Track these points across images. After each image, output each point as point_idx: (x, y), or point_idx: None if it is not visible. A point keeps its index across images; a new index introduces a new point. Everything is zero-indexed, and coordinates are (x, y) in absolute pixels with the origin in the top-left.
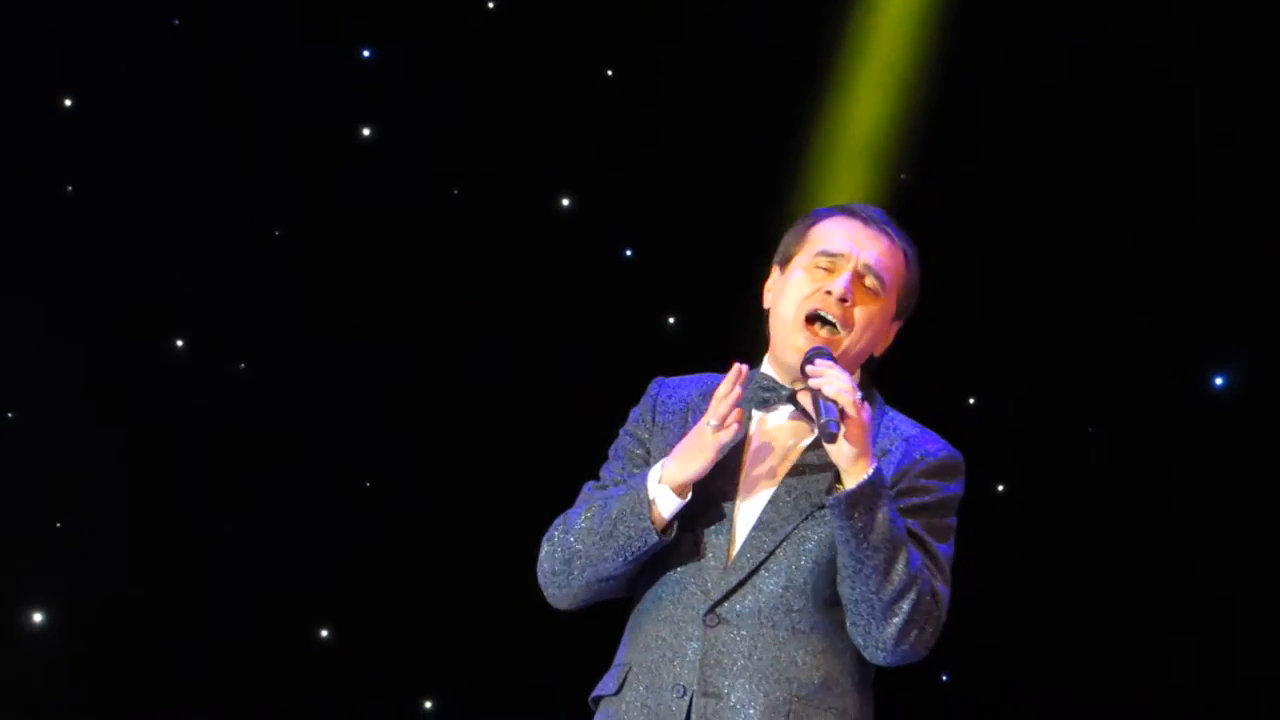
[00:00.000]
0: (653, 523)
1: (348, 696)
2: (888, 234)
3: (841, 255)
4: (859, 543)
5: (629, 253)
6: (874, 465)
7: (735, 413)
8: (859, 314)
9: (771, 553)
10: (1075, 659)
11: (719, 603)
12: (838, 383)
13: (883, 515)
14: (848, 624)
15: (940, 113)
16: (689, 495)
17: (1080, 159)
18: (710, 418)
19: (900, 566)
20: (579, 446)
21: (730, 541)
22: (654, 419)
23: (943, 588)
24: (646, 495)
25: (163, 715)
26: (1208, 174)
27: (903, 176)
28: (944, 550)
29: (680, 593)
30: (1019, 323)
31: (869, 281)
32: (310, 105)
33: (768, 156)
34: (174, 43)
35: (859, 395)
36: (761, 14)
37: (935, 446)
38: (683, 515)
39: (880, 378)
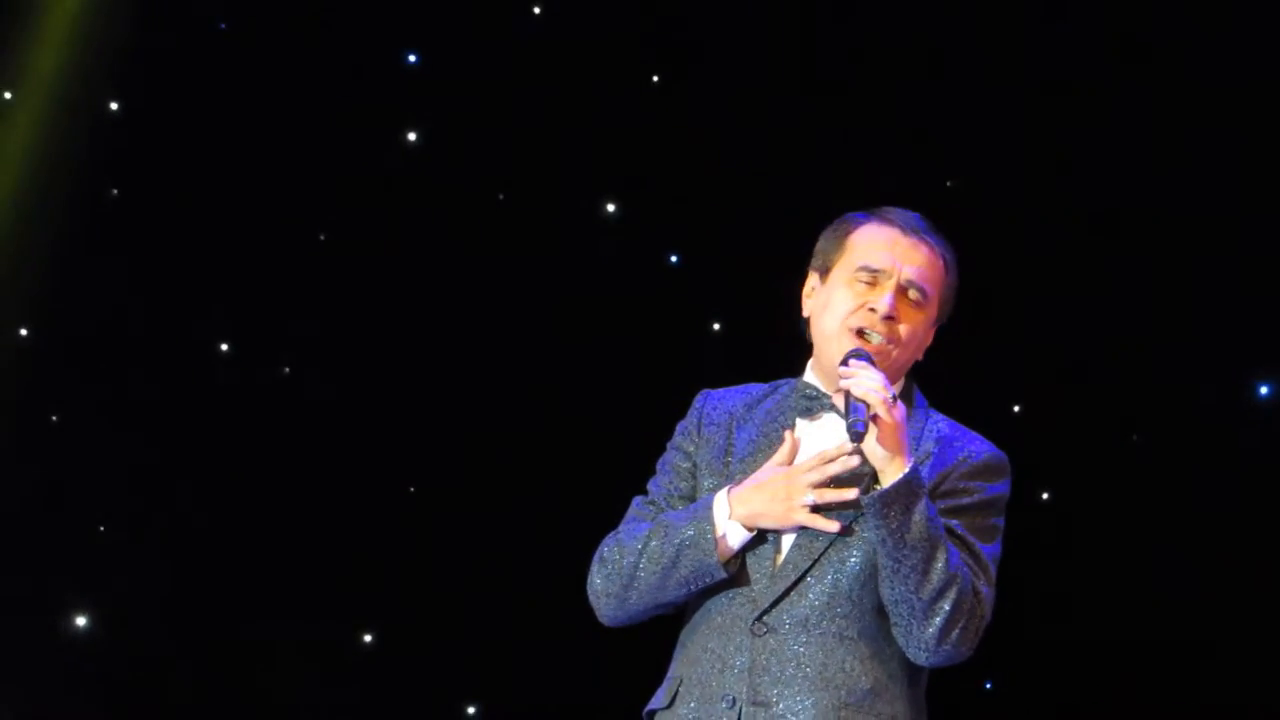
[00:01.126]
0: (719, 556)
1: (390, 701)
2: (928, 243)
3: (884, 271)
4: (896, 542)
5: (674, 259)
6: (910, 464)
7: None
8: (904, 329)
9: (817, 560)
10: (1120, 667)
11: (766, 611)
12: (868, 382)
13: (919, 514)
14: (891, 625)
15: (981, 118)
16: (756, 529)
17: (1124, 161)
18: (807, 491)
19: (939, 565)
20: (624, 452)
21: (777, 550)
22: (699, 431)
23: (985, 588)
24: (713, 530)
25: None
26: (1255, 176)
27: (949, 183)
28: (988, 550)
29: (728, 603)
30: (1064, 329)
31: (912, 295)
32: (356, 110)
33: (815, 163)
34: (220, 46)
35: (891, 395)
36: (807, 18)
37: (979, 447)
38: None
39: (924, 384)
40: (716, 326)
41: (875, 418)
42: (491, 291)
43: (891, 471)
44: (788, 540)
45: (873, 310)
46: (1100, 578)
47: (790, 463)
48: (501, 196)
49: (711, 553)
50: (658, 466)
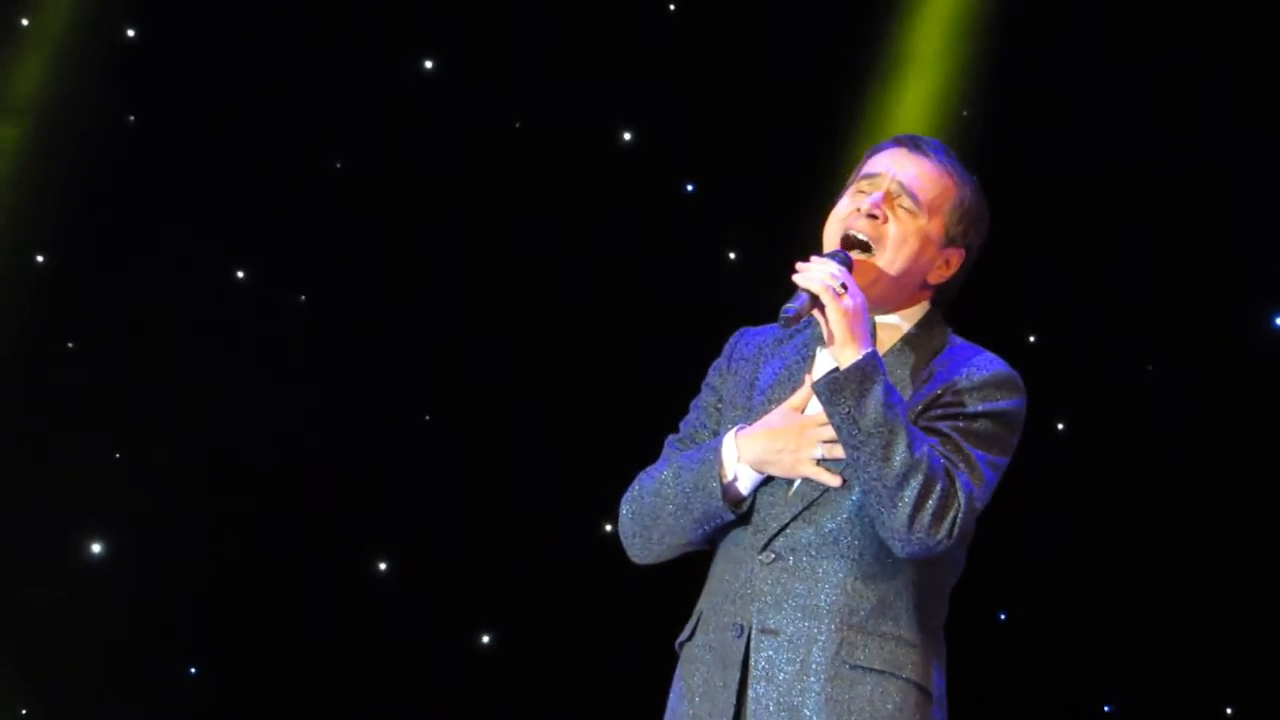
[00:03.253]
0: (728, 500)
1: (405, 628)
2: (932, 158)
3: (878, 176)
4: (850, 428)
5: (690, 187)
6: (865, 351)
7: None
8: (891, 230)
9: (825, 489)
10: (1133, 597)
11: (774, 537)
12: (815, 271)
13: (874, 400)
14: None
15: (1006, 51)
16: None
17: (1141, 92)
18: (816, 444)
19: (900, 449)
20: (642, 382)
21: (790, 481)
22: (729, 365)
23: (966, 479)
24: (718, 471)
25: (219, 650)
26: (1266, 111)
27: (965, 112)
28: (980, 454)
29: (741, 534)
30: (1078, 259)
31: (903, 200)
32: (372, 37)
33: (832, 89)
34: None
35: (840, 284)
36: None
37: (985, 362)
38: None
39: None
40: (732, 255)
41: (818, 305)
42: (505, 219)
43: (844, 359)
44: None
45: (860, 210)
46: (1114, 508)
47: (804, 408)
48: (517, 124)
49: (718, 495)
50: (691, 405)
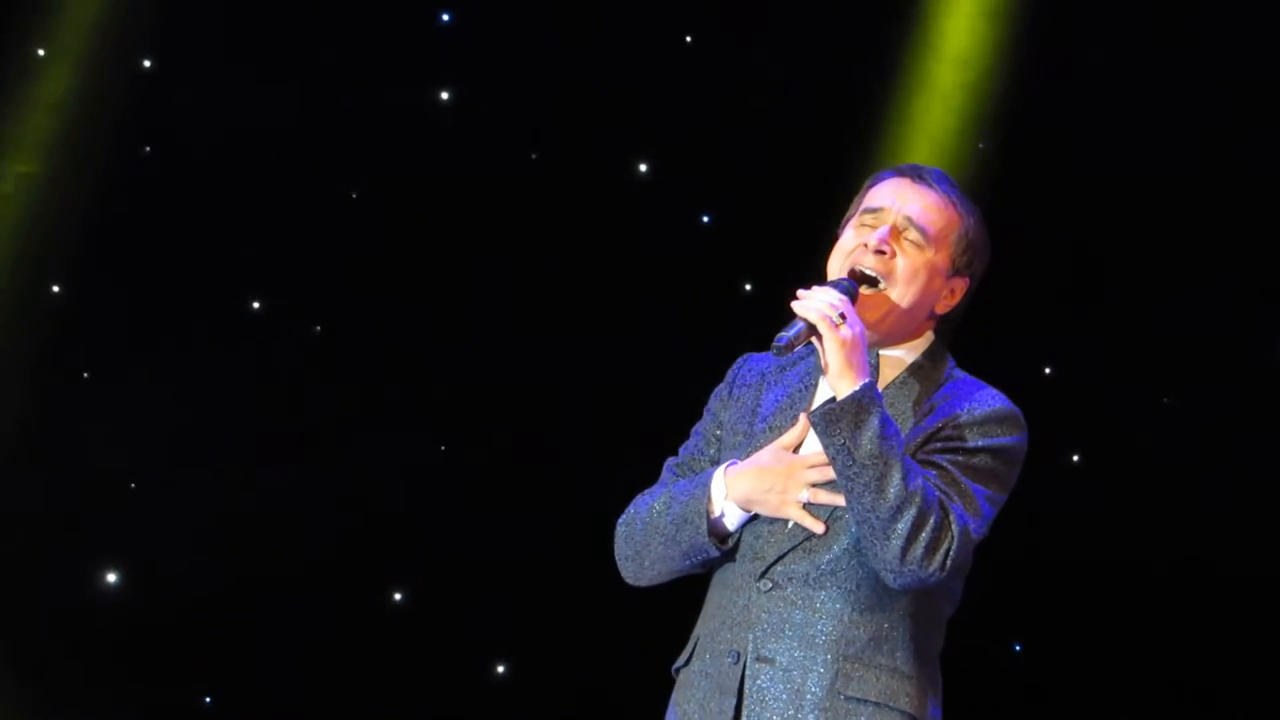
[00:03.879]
0: (714, 535)
1: (421, 659)
2: (936, 190)
3: (883, 210)
4: (845, 459)
5: (706, 218)
6: (862, 381)
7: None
8: (900, 265)
9: (825, 519)
10: (1148, 629)
11: (772, 565)
12: (815, 300)
13: (870, 431)
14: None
15: (1021, 84)
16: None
17: (1155, 125)
18: (804, 488)
19: (895, 481)
20: (654, 412)
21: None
22: (730, 392)
23: (963, 515)
24: (706, 507)
25: (234, 677)
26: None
27: (981, 145)
28: (978, 489)
29: (739, 561)
30: (1095, 292)
31: (910, 234)
32: (389, 69)
33: (848, 121)
34: (253, 3)
35: (839, 314)
36: None
37: (987, 397)
38: None
39: (956, 344)
40: (748, 286)
41: (816, 334)
42: (521, 250)
43: (841, 389)
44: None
45: (865, 245)
46: (1130, 541)
47: (797, 446)
48: (534, 156)
49: (704, 531)
50: (692, 430)
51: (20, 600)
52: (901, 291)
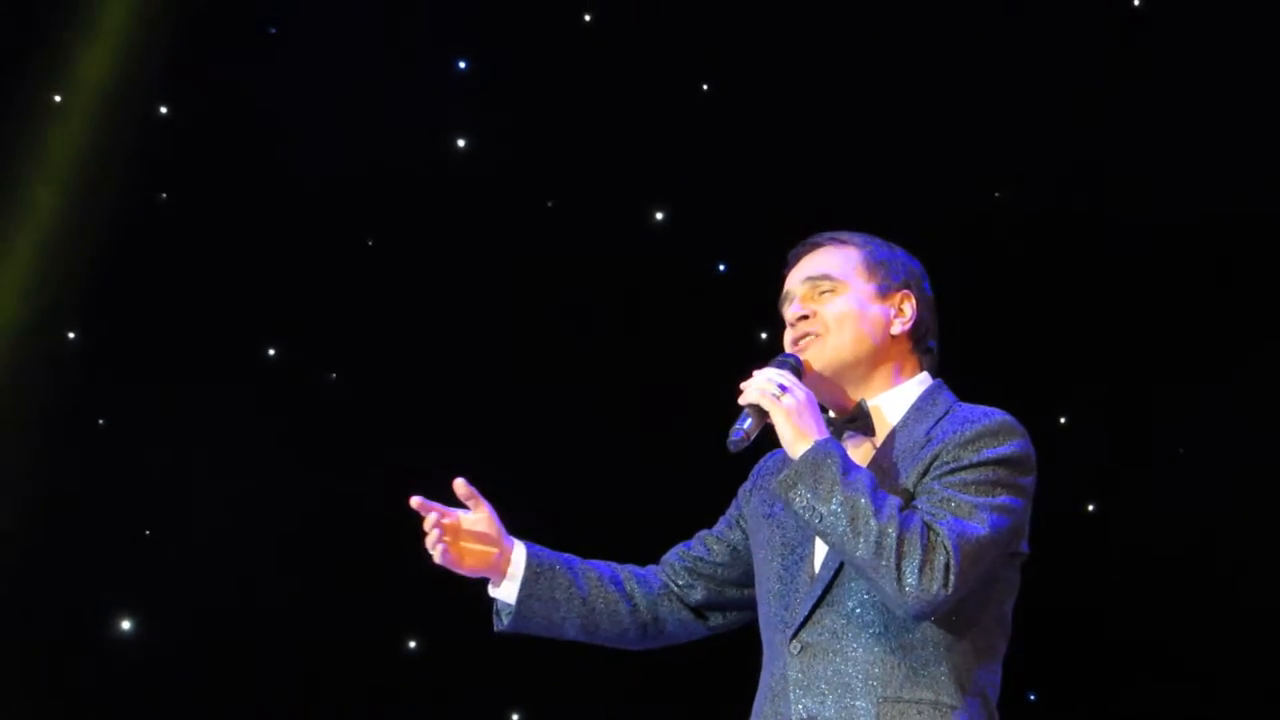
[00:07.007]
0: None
1: (435, 707)
2: (817, 244)
3: (787, 293)
4: (813, 518)
5: (722, 267)
6: (815, 440)
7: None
8: (823, 313)
9: (837, 572)
10: (1165, 679)
11: (801, 627)
12: (754, 384)
13: (829, 482)
14: None
15: (1037, 130)
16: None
17: (1167, 170)
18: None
19: (865, 520)
20: (669, 461)
21: (811, 564)
22: (753, 485)
23: (956, 526)
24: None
25: None
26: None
27: (996, 194)
28: (978, 499)
29: (771, 630)
30: (1110, 343)
31: (818, 287)
32: (405, 116)
33: (863, 170)
34: (269, 50)
35: (779, 387)
36: (858, 30)
37: (978, 415)
38: (772, 543)
39: (969, 395)
40: (764, 335)
41: (760, 413)
42: (538, 298)
43: (797, 452)
44: (820, 554)
45: (792, 328)
46: (1145, 590)
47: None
48: (550, 203)
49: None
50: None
51: (34, 646)
52: (838, 331)
